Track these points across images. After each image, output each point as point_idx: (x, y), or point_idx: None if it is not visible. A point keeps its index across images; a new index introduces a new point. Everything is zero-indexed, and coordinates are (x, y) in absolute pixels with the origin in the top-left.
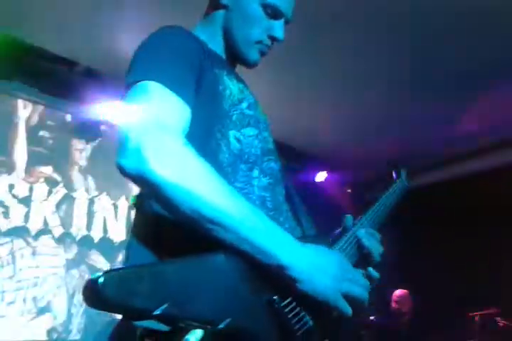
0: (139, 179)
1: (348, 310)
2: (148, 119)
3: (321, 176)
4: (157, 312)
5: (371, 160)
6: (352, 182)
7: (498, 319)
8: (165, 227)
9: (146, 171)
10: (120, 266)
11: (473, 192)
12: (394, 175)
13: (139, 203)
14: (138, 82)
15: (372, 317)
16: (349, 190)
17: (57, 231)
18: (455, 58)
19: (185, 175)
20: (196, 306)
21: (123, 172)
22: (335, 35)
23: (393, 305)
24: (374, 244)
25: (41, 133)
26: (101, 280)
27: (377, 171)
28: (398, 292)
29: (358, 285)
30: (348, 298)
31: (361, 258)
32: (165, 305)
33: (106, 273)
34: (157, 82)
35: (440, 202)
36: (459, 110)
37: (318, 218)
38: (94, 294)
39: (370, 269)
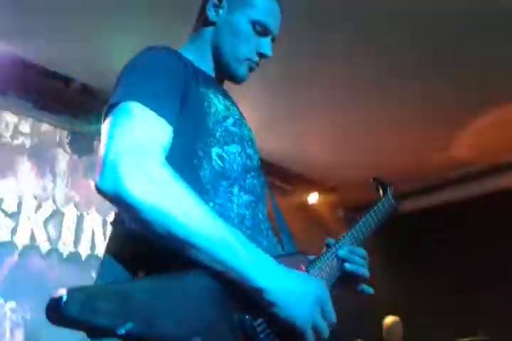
0: (115, 199)
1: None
2: (127, 141)
3: (312, 197)
4: (121, 330)
5: (365, 181)
6: (345, 204)
7: None
8: (138, 244)
9: (121, 191)
10: (87, 284)
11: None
12: (380, 192)
13: (115, 220)
14: (119, 103)
15: None
16: (342, 212)
17: (45, 247)
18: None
19: (160, 196)
20: (162, 325)
21: (100, 192)
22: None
23: (383, 333)
24: (357, 261)
25: (34, 147)
26: (64, 298)
27: (371, 193)
28: (388, 320)
29: (326, 320)
30: (314, 330)
31: (347, 276)
32: (129, 324)
33: (70, 291)
34: (138, 102)
35: (436, 226)
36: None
37: (309, 240)
38: (57, 312)
39: (364, 287)
